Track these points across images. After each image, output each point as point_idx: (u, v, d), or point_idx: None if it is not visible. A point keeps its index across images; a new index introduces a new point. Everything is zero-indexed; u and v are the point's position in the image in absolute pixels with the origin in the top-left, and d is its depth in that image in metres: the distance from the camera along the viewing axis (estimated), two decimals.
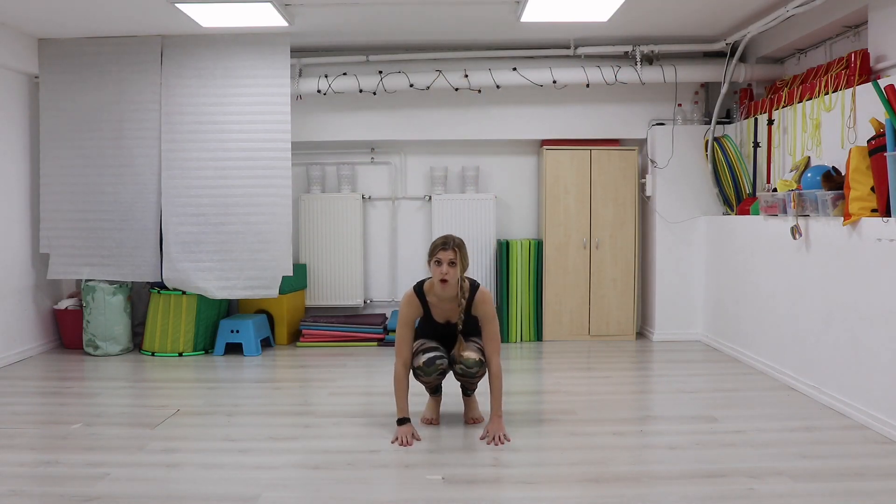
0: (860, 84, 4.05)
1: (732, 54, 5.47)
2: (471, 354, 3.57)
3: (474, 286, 3.58)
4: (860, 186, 3.68)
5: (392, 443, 3.43)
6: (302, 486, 2.94)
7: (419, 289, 3.62)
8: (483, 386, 3.71)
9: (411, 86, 5.78)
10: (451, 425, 3.71)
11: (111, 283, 5.49)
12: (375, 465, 3.15)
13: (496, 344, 3.56)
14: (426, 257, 3.63)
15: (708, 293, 5.71)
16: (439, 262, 3.48)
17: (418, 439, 3.48)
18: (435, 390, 3.80)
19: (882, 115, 3.62)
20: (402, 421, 3.51)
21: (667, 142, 5.81)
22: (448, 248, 3.48)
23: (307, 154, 6.19)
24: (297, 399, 4.27)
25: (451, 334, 3.65)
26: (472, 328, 3.65)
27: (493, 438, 3.44)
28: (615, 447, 3.39)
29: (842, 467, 3.08)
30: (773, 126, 5.03)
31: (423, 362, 3.57)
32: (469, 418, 3.80)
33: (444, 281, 3.49)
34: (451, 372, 3.68)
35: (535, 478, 3.01)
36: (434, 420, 3.75)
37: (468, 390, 3.79)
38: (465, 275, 3.63)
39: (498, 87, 5.79)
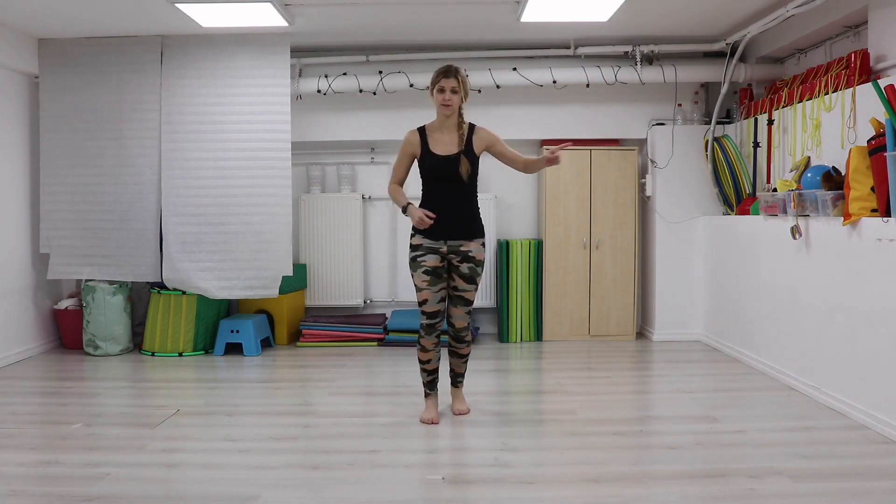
0: (860, 84, 4.05)
1: (732, 54, 5.47)
2: (461, 320, 3.73)
3: (473, 124, 3.73)
4: (860, 186, 3.68)
5: (417, 222, 3.54)
6: (302, 486, 2.94)
7: (420, 127, 3.75)
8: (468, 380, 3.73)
9: (411, 86, 5.78)
10: (452, 425, 3.72)
11: (111, 283, 5.49)
12: (375, 465, 3.15)
13: (516, 152, 3.76)
14: (430, 87, 3.68)
15: (708, 293, 5.71)
16: (442, 90, 3.58)
17: (431, 217, 3.55)
18: (431, 384, 3.84)
19: (882, 115, 3.62)
20: (407, 207, 3.62)
21: (667, 142, 5.81)
22: (451, 76, 3.59)
23: (307, 154, 6.19)
24: (297, 399, 4.27)
25: (451, 175, 3.61)
26: (472, 173, 3.67)
27: (554, 155, 3.51)
28: (615, 447, 3.39)
29: (842, 467, 3.08)
30: (773, 126, 5.03)
31: (424, 325, 3.69)
32: (456, 409, 3.88)
33: (446, 106, 3.58)
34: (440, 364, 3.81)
35: (535, 478, 3.02)
36: (434, 419, 3.76)
37: (457, 377, 3.91)
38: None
39: (498, 87, 5.79)
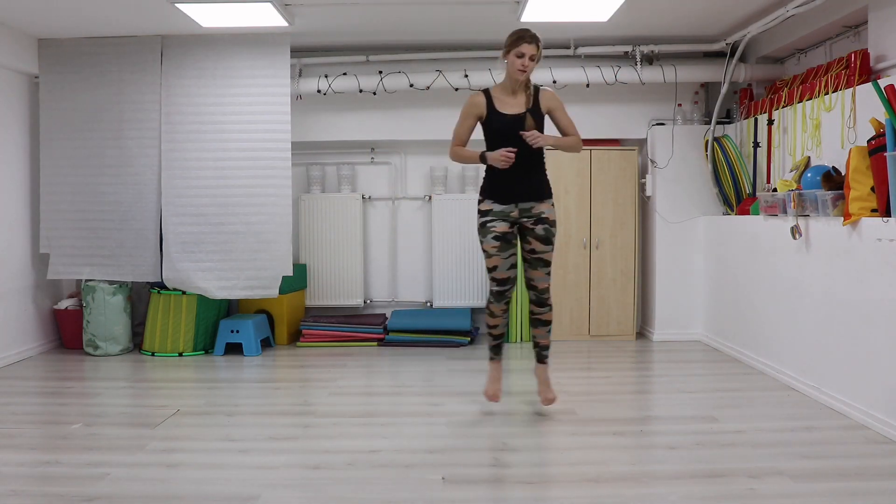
0: (860, 84, 4.05)
1: (732, 54, 5.47)
2: (543, 281, 3.70)
3: (538, 85, 3.72)
4: (860, 186, 3.68)
5: (502, 161, 3.53)
6: (302, 486, 2.94)
7: (484, 90, 3.72)
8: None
9: (411, 86, 5.78)
10: (452, 425, 3.71)
11: (111, 283, 5.49)
12: (375, 465, 3.15)
13: (573, 125, 3.74)
14: (504, 50, 3.63)
15: (708, 293, 5.71)
16: (521, 55, 3.55)
17: (513, 151, 3.54)
18: (497, 348, 3.85)
19: (882, 115, 3.62)
20: (483, 155, 3.62)
21: (667, 142, 5.81)
22: (532, 42, 3.56)
23: (307, 154, 6.19)
24: (297, 399, 4.27)
25: (519, 137, 3.57)
26: (537, 124, 3.64)
27: (529, 133, 3.54)
28: (615, 447, 3.39)
29: (842, 467, 3.08)
30: (773, 126, 5.03)
31: (495, 292, 3.68)
32: (543, 397, 3.84)
33: (522, 71, 3.56)
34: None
35: (535, 478, 3.02)
36: (496, 395, 3.77)
37: (542, 351, 3.86)
38: None
39: None
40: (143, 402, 4.30)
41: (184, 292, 5.44)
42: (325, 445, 3.43)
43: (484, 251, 3.69)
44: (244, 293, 5.46)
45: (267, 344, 5.74)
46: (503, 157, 3.53)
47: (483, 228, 3.68)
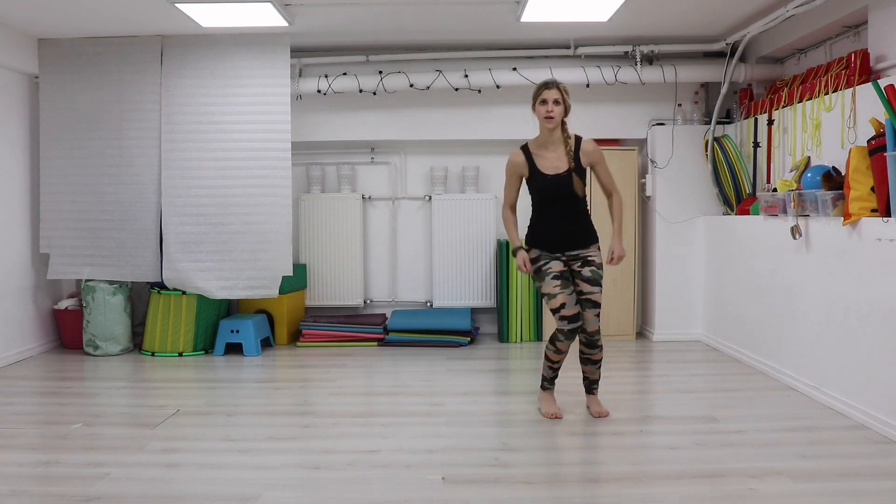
0: (860, 84, 4.05)
1: (732, 54, 5.47)
2: (593, 324, 3.70)
3: (579, 136, 3.70)
4: (860, 186, 3.68)
5: (518, 269, 3.73)
6: (302, 486, 2.94)
7: (523, 146, 3.74)
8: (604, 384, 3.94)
9: (411, 86, 5.78)
10: (452, 425, 3.71)
11: (111, 283, 5.49)
12: (375, 465, 3.15)
13: (613, 179, 3.78)
14: (531, 104, 3.67)
15: (708, 293, 5.70)
16: (544, 102, 3.58)
17: (529, 268, 3.69)
18: (553, 381, 3.89)
19: (882, 115, 3.62)
20: (517, 250, 3.70)
21: (667, 142, 5.81)
22: (552, 87, 3.58)
23: (307, 154, 6.19)
24: (297, 399, 4.27)
25: (564, 194, 3.63)
26: (581, 181, 3.66)
27: (614, 258, 3.67)
28: (615, 447, 3.39)
29: (842, 467, 3.08)
30: (773, 126, 5.03)
31: (566, 332, 3.66)
32: (595, 412, 3.86)
33: (549, 118, 3.57)
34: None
35: (535, 478, 3.01)
36: (558, 413, 3.80)
37: (592, 385, 3.91)
38: None
39: (498, 87, 5.79)
40: (143, 402, 4.30)
41: (184, 292, 5.44)
42: (325, 445, 3.43)
43: (546, 294, 3.65)
44: (244, 293, 5.46)
45: (267, 344, 5.74)
46: (521, 268, 3.68)
47: (539, 272, 3.68)
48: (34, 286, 5.54)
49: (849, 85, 4.15)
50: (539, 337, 5.93)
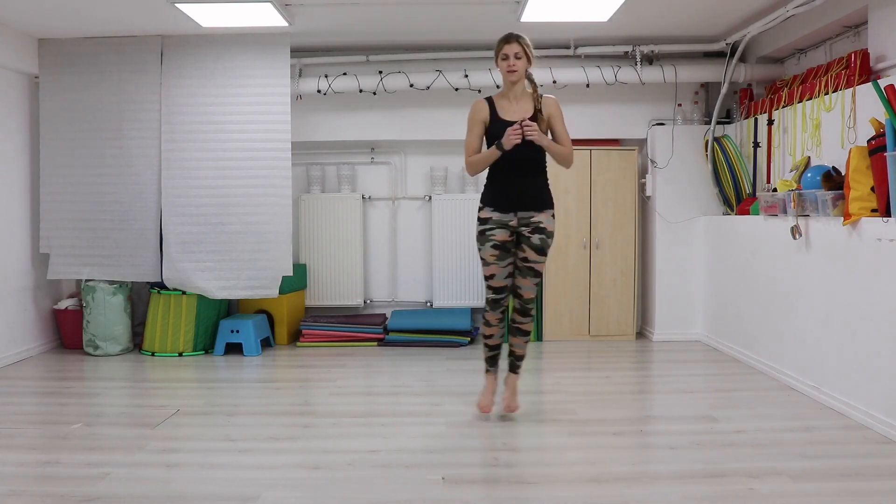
0: (860, 84, 4.05)
1: (732, 54, 5.47)
2: (530, 291, 3.69)
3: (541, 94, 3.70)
4: (860, 186, 3.68)
5: (514, 138, 3.47)
6: (302, 486, 2.94)
7: (487, 97, 3.72)
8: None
9: (411, 86, 5.78)
10: (452, 425, 3.71)
11: (111, 283, 5.49)
12: (375, 465, 3.15)
13: (569, 139, 3.70)
14: (494, 59, 3.66)
15: (708, 293, 5.71)
16: (506, 57, 3.58)
17: (522, 129, 3.49)
18: (492, 360, 3.84)
19: (882, 115, 3.62)
20: (498, 145, 3.54)
21: (667, 142, 5.81)
22: (512, 42, 3.57)
23: (307, 154, 6.19)
24: (297, 399, 4.27)
25: (525, 142, 3.51)
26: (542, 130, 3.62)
27: (524, 122, 3.48)
28: (615, 447, 3.39)
29: (842, 467, 3.08)
30: (773, 126, 5.03)
31: (490, 300, 3.69)
32: (507, 405, 3.82)
33: (512, 71, 3.56)
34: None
35: (535, 478, 3.01)
36: (489, 407, 3.77)
37: (517, 361, 3.85)
38: None
39: (498, 87, 5.78)
40: (143, 402, 4.30)
41: (184, 292, 5.44)
42: (325, 445, 3.43)
43: (482, 259, 3.68)
44: (244, 293, 5.46)
45: (267, 344, 5.74)
46: (513, 133, 3.48)
47: (482, 236, 3.66)
48: (34, 286, 5.54)
49: (849, 85, 4.15)
50: (539, 337, 5.93)
